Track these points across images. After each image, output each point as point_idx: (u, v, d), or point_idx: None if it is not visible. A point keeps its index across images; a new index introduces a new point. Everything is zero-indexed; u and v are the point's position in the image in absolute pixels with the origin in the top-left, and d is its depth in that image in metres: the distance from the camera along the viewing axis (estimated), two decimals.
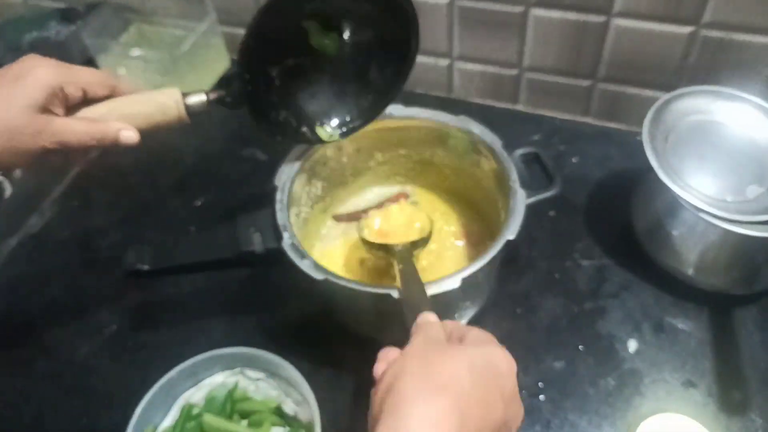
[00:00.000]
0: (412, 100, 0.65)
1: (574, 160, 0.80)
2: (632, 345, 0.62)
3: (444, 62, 0.85)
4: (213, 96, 0.56)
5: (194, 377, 0.58)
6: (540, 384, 0.60)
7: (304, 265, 0.54)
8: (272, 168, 0.62)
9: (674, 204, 0.60)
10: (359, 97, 0.64)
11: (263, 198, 0.60)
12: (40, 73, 0.49)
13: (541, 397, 0.59)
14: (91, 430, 0.61)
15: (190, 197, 0.81)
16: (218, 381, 0.58)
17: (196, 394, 0.58)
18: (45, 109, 0.49)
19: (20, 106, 0.47)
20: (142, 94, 0.55)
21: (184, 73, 0.88)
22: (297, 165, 0.63)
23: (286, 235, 0.56)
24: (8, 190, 0.83)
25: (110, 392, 0.63)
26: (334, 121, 0.64)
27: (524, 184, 0.59)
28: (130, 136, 0.52)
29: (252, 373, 0.58)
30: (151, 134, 0.54)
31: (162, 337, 0.66)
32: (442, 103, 0.67)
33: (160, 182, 0.84)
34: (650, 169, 0.60)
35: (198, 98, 0.55)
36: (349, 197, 0.73)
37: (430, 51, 0.84)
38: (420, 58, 0.85)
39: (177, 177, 0.84)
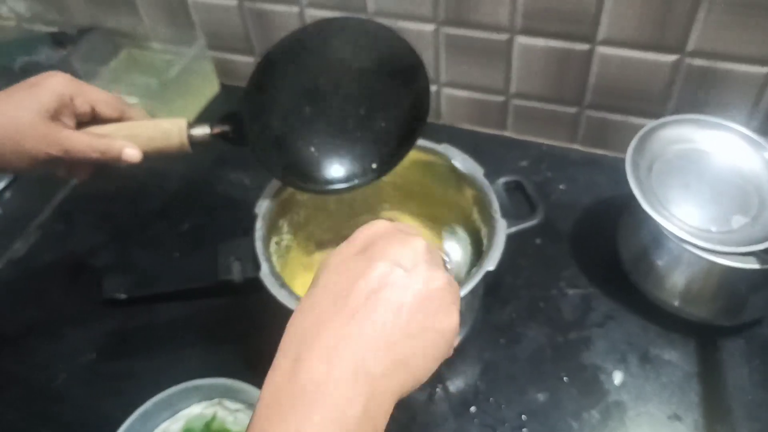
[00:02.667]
0: None
1: (561, 186, 0.79)
2: (617, 377, 0.61)
3: (431, 88, 0.84)
4: (217, 130, 0.59)
5: (171, 408, 0.57)
6: (523, 417, 0.59)
7: (282, 296, 0.53)
8: (259, 193, 0.62)
9: (658, 234, 0.59)
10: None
11: (248, 225, 0.60)
12: (53, 82, 0.53)
13: (524, 430, 0.58)
14: None
15: (176, 221, 0.80)
16: (196, 412, 0.58)
17: (172, 426, 0.57)
18: (55, 118, 0.52)
19: (31, 110, 0.51)
20: (150, 120, 0.58)
21: (172, 98, 0.88)
22: (279, 193, 0.62)
23: (264, 265, 0.56)
24: None
25: (85, 422, 0.62)
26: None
27: (506, 214, 0.59)
28: (133, 153, 0.55)
29: (231, 405, 0.58)
30: (154, 159, 0.57)
31: (139, 366, 0.65)
32: (431, 129, 0.66)
33: (146, 206, 0.83)
34: (635, 197, 0.59)
35: (202, 130, 0.58)
36: (333, 225, 0.73)
37: None
38: None
39: (164, 201, 0.83)
